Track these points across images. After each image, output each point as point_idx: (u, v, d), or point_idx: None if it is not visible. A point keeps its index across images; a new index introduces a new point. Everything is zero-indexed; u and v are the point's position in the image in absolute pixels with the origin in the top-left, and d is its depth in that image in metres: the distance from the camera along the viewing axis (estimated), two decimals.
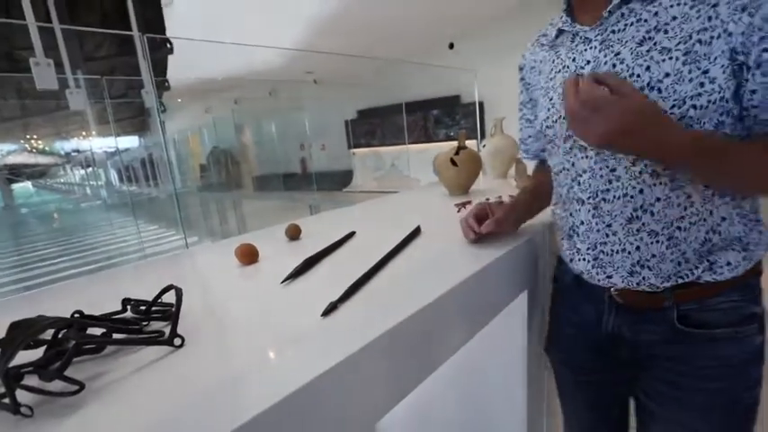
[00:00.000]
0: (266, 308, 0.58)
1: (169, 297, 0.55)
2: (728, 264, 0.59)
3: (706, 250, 0.59)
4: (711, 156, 0.52)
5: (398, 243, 0.79)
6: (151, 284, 0.62)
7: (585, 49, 0.62)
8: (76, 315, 0.51)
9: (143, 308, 0.56)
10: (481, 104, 6.07)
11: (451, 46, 6.20)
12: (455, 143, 1.38)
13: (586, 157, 0.62)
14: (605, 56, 0.59)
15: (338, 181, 8.00)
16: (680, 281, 0.60)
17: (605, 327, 0.69)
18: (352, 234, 0.92)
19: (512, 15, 4.67)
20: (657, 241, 0.60)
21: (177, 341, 0.48)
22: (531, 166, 0.94)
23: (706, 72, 0.52)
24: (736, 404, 0.62)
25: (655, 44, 0.55)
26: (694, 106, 0.52)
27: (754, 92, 0.51)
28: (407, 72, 6.54)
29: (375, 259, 0.70)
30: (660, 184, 0.57)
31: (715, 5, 0.51)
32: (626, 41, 0.58)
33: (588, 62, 0.62)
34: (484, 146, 1.64)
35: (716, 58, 0.51)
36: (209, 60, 5.87)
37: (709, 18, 0.51)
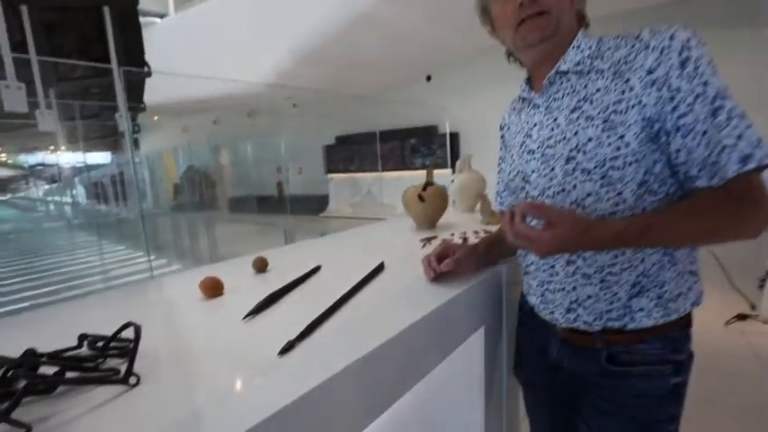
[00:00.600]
0: (227, 345, 0.59)
1: (129, 331, 0.55)
2: (641, 309, 0.65)
3: (636, 292, 0.65)
4: (643, 236, 0.58)
5: (360, 280, 0.81)
6: (111, 316, 0.62)
7: (534, 114, 0.72)
8: (28, 352, 0.51)
9: (100, 344, 0.56)
10: (457, 135, 6.28)
11: (429, 78, 6.43)
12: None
13: None
14: (547, 120, 0.68)
15: (314, 206, 7.97)
16: (609, 323, 0.66)
17: (551, 355, 0.77)
18: (317, 269, 0.94)
19: (488, 53, 4.91)
20: (591, 283, 0.66)
21: (132, 380, 0.48)
22: None
23: (622, 137, 0.59)
24: None
25: (582, 112, 0.63)
26: (613, 167, 0.60)
27: (678, 151, 0.58)
28: (386, 101, 6.72)
29: (337, 295, 0.72)
30: None
31: (628, 80, 0.59)
32: (562, 109, 0.66)
33: (536, 124, 0.71)
34: (452, 181, 1.70)
35: (630, 126, 0.59)
36: (189, 82, 5.87)
37: (623, 92, 0.60)
